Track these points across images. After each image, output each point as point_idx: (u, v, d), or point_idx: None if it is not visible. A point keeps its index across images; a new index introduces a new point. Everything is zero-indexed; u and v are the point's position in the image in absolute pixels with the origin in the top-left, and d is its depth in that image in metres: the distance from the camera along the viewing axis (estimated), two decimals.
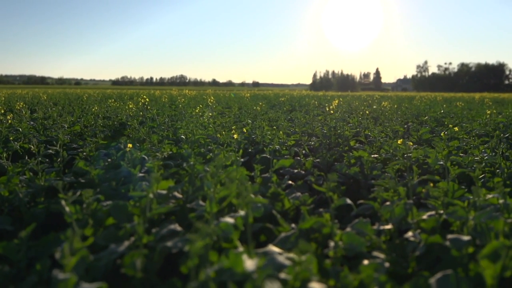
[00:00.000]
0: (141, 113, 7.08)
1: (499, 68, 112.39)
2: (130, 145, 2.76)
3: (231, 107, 10.02)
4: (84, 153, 3.48)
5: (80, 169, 2.75)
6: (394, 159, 3.24)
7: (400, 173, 3.16)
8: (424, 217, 1.64)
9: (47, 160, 3.35)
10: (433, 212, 1.66)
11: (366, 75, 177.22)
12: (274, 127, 5.43)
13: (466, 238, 1.28)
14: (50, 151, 3.52)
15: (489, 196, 1.56)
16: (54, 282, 0.82)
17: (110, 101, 10.72)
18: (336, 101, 6.88)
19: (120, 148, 2.94)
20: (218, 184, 1.83)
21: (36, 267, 1.39)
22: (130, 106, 6.97)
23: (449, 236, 1.33)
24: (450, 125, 5.07)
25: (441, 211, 1.64)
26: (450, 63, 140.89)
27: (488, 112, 6.03)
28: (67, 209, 1.52)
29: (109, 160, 2.97)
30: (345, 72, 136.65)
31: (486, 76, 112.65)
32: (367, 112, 7.80)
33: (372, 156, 3.40)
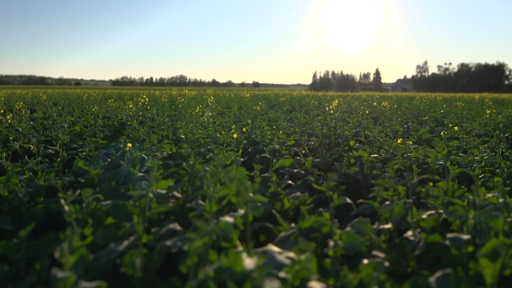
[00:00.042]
0: (140, 113, 7.08)
1: (499, 68, 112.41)
2: (129, 145, 2.75)
3: (231, 107, 10.02)
4: (84, 153, 3.48)
5: (80, 169, 2.75)
6: (394, 158, 3.24)
7: (400, 173, 3.16)
8: (424, 216, 1.64)
9: (47, 160, 3.35)
10: (432, 212, 1.66)
11: (366, 76, 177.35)
12: (274, 126, 5.43)
13: (465, 237, 1.28)
14: (50, 151, 3.52)
15: (489, 195, 1.55)
16: (53, 280, 0.82)
17: (110, 101, 10.72)
18: (336, 101, 6.88)
19: (120, 147, 2.94)
20: (218, 183, 1.83)
21: (36, 267, 1.39)
22: (130, 106, 6.97)
23: (449, 235, 1.32)
24: (450, 125, 5.07)
25: (441, 211, 1.64)
26: (450, 63, 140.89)
27: (488, 112, 6.03)
28: (66, 208, 1.51)
29: (108, 160, 2.97)
30: (345, 73, 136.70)
31: (486, 76, 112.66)
32: (367, 112, 7.80)
33: (372, 156, 3.40)
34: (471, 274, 1.16)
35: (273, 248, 1.25)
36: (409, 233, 1.55)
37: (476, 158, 3.05)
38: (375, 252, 1.47)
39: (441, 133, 3.66)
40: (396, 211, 1.70)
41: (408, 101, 15.36)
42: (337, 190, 2.55)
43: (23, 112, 6.75)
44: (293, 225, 1.78)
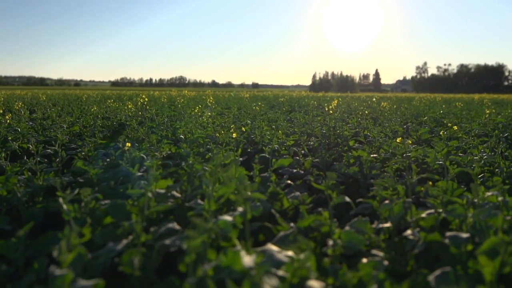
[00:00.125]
0: (140, 113, 7.07)
1: (498, 69, 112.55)
2: (128, 144, 2.75)
3: (230, 107, 10.03)
4: (83, 153, 3.47)
5: (79, 169, 2.75)
6: (393, 158, 3.23)
7: (400, 173, 3.16)
8: (423, 215, 1.64)
9: (46, 160, 3.34)
10: (432, 211, 1.65)
11: (366, 76, 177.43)
12: (273, 126, 5.43)
13: (465, 235, 1.28)
14: (49, 151, 3.52)
15: (488, 194, 1.55)
16: (51, 278, 0.82)
17: (109, 101, 10.72)
18: (335, 102, 6.88)
19: (119, 147, 2.94)
20: (217, 182, 1.82)
21: (34, 266, 1.38)
22: (129, 106, 6.97)
23: (448, 233, 1.32)
24: (449, 124, 5.07)
25: (440, 210, 1.64)
26: (450, 64, 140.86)
27: (488, 111, 6.03)
28: (64, 207, 1.51)
29: (107, 160, 2.97)
30: (344, 73, 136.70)
31: (486, 77, 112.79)
32: (366, 112, 7.80)
33: (371, 156, 3.40)
34: (470, 273, 1.16)
35: (272, 247, 1.25)
36: (408, 232, 1.54)
37: (475, 158, 3.05)
38: (374, 251, 1.47)
39: (441, 133, 3.66)
40: (395, 210, 1.70)
41: (408, 102, 15.37)
42: (336, 189, 2.55)
43: (22, 112, 6.75)
44: (292, 224, 1.78)
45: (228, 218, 1.43)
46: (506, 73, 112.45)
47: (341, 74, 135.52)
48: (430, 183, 2.09)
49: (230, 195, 1.64)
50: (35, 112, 8.46)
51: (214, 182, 1.63)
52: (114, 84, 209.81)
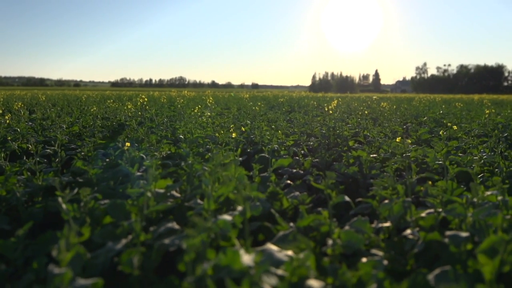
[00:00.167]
0: (139, 113, 7.07)
1: (498, 69, 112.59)
2: (128, 144, 2.75)
3: (230, 108, 10.03)
4: (82, 153, 3.47)
5: (78, 169, 2.74)
6: (393, 158, 3.23)
7: (399, 173, 3.16)
8: (423, 215, 1.64)
9: (45, 160, 3.34)
10: (431, 210, 1.65)
11: (365, 77, 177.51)
12: (273, 126, 5.43)
13: (464, 234, 1.27)
14: (48, 151, 3.51)
15: (488, 193, 1.55)
16: (49, 276, 0.82)
17: (108, 101, 10.72)
18: (335, 102, 6.88)
19: (118, 147, 2.94)
20: (217, 182, 1.82)
21: (33, 265, 1.38)
22: (129, 106, 6.96)
23: (448, 232, 1.32)
24: (449, 124, 5.07)
25: (440, 209, 1.63)
26: (449, 65, 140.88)
27: (487, 111, 6.03)
28: (64, 206, 1.51)
29: (107, 160, 2.97)
30: (344, 74, 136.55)
31: (485, 78, 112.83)
32: (366, 112, 7.80)
33: (371, 156, 3.40)
34: (470, 272, 1.16)
35: (272, 247, 1.25)
36: (408, 231, 1.54)
37: (475, 158, 3.05)
38: (374, 251, 1.47)
39: (440, 132, 3.66)
40: (395, 209, 1.69)
41: (407, 102, 15.38)
42: (336, 189, 2.55)
43: (22, 112, 6.75)
44: (291, 224, 1.78)
45: (227, 217, 1.43)
46: (506, 74, 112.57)
47: (341, 74, 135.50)
48: (430, 182, 2.09)
49: (230, 193, 1.64)
50: (34, 112, 8.46)
51: (213, 181, 1.63)
52: (114, 84, 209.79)
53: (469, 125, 6.04)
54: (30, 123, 5.98)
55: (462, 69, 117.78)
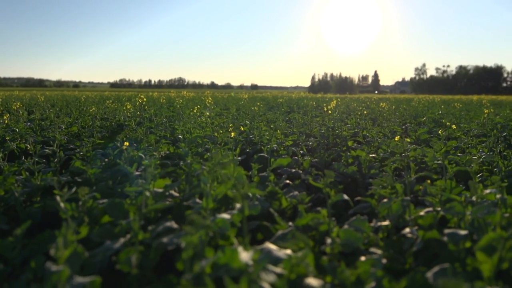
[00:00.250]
0: (138, 113, 7.06)
1: (497, 70, 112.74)
2: (126, 143, 2.74)
3: (229, 108, 10.02)
4: (81, 153, 3.46)
5: (77, 169, 2.74)
6: (392, 157, 3.23)
7: (398, 172, 3.16)
8: (422, 213, 1.64)
9: (44, 160, 3.34)
10: (430, 209, 1.65)
11: (365, 78, 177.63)
12: (272, 126, 5.43)
13: (463, 232, 1.27)
14: (47, 151, 3.51)
15: (487, 191, 1.55)
16: (47, 274, 0.81)
17: (107, 102, 10.71)
18: (334, 102, 6.88)
19: (117, 147, 2.93)
20: (215, 181, 1.82)
21: (31, 265, 1.37)
22: (128, 107, 6.96)
23: (446, 230, 1.32)
24: (448, 123, 5.07)
25: (439, 208, 1.63)
26: (448, 66, 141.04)
27: (486, 111, 6.03)
28: (62, 205, 1.50)
29: (106, 160, 2.96)
30: (343, 75, 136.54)
31: (484, 79, 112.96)
32: (365, 112, 7.80)
33: (370, 155, 3.40)
34: (469, 270, 1.16)
35: (270, 246, 1.25)
36: (407, 230, 1.54)
37: (474, 157, 3.05)
38: (372, 250, 1.46)
39: (439, 131, 3.66)
40: (393, 208, 1.69)
41: (407, 103, 15.39)
42: (335, 188, 2.55)
43: (21, 113, 6.74)
44: (290, 224, 1.78)
45: (226, 216, 1.43)
46: (505, 75, 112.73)
47: (340, 75, 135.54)
48: (429, 181, 2.09)
49: (228, 191, 1.63)
50: (33, 113, 8.45)
51: (212, 180, 1.63)
52: (113, 85, 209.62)
53: (468, 125, 6.05)
54: (29, 124, 5.97)
55: (461, 70, 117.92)
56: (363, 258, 1.25)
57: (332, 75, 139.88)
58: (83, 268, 1.31)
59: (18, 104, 7.73)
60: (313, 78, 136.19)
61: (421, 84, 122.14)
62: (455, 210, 1.49)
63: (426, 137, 4.92)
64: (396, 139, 2.96)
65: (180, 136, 4.11)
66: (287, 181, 2.80)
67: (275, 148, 3.70)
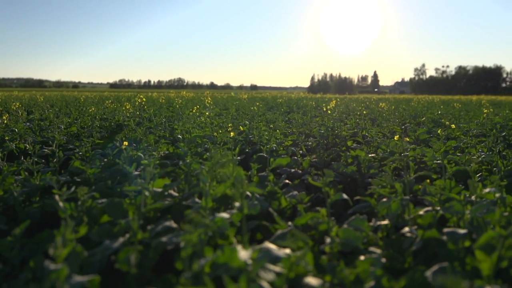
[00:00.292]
0: (138, 113, 7.06)
1: (496, 71, 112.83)
2: (126, 143, 2.74)
3: (229, 108, 10.02)
4: (80, 153, 3.46)
5: (76, 169, 2.74)
6: (391, 157, 3.24)
7: (398, 172, 3.16)
8: (421, 213, 1.64)
9: (43, 160, 3.33)
10: (429, 208, 1.65)
11: (364, 78, 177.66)
12: (271, 126, 5.43)
13: (462, 231, 1.27)
14: (46, 151, 3.51)
15: (486, 190, 1.55)
16: (45, 273, 0.81)
17: (107, 102, 10.71)
18: (334, 102, 6.88)
19: (117, 147, 2.93)
20: (214, 181, 1.82)
21: (30, 264, 1.37)
22: (127, 107, 6.96)
23: (446, 229, 1.32)
24: (447, 123, 5.08)
25: (438, 208, 1.63)
26: (448, 66, 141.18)
27: (485, 111, 6.04)
28: (61, 204, 1.50)
29: (105, 160, 2.96)
30: (343, 75, 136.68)
31: (484, 79, 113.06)
32: (364, 112, 7.81)
33: (369, 155, 3.40)
34: (468, 269, 1.16)
35: (270, 245, 1.24)
36: (406, 229, 1.54)
37: (473, 157, 3.05)
38: (372, 249, 1.46)
39: (438, 131, 3.66)
40: (393, 208, 1.69)
41: (406, 103, 15.41)
42: (334, 187, 2.55)
43: (20, 113, 6.73)
44: (290, 223, 1.77)
45: (225, 215, 1.42)
46: (504, 75, 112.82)
47: (339, 75, 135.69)
48: (428, 181, 2.09)
49: (227, 190, 1.63)
50: (32, 113, 8.45)
51: (211, 179, 1.63)
52: (113, 86, 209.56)
53: (467, 125, 6.05)
54: (28, 124, 5.96)
55: (461, 70, 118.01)
56: (362, 257, 1.25)
57: (331, 75, 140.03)
58: (82, 267, 1.31)
59: (17, 104, 7.72)
60: (312, 78, 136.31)
61: (421, 84, 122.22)
62: (454, 209, 1.49)
63: (426, 137, 4.92)
64: (395, 139, 2.96)
65: (179, 136, 4.11)
66: (287, 181, 2.80)
67: (274, 148, 3.70)
